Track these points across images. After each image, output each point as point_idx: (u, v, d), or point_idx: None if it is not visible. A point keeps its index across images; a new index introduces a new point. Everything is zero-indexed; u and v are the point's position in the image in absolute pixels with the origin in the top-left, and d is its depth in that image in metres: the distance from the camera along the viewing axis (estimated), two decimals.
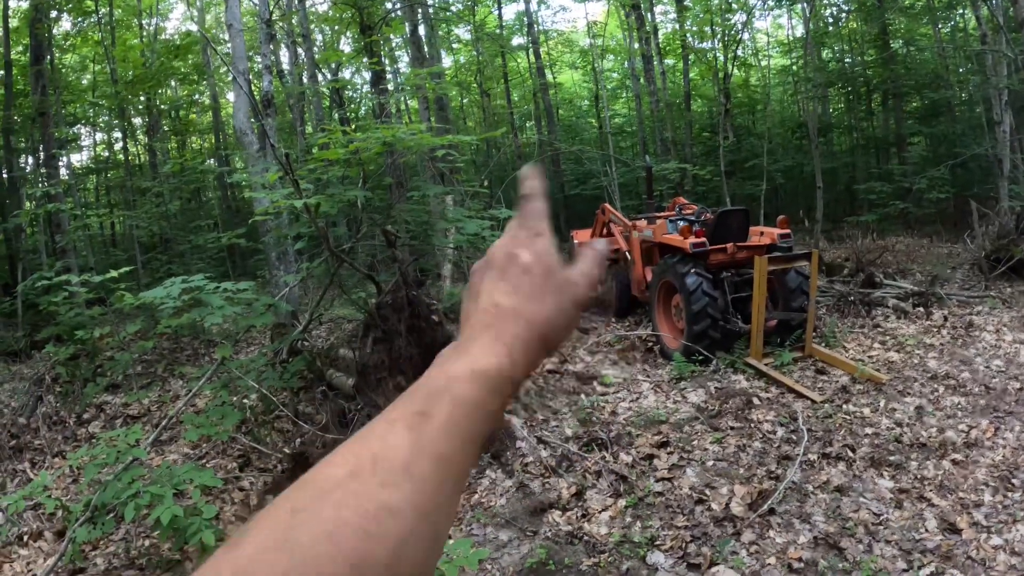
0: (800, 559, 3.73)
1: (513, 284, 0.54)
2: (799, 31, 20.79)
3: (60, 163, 15.46)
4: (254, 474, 5.72)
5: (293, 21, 16.53)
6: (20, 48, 16.62)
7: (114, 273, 7.00)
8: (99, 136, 23.58)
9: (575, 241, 12.08)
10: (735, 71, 20.78)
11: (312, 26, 17.67)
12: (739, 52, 20.16)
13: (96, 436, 5.18)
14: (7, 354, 11.33)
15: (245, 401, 6.72)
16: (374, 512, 0.43)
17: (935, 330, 7.74)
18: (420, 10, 14.60)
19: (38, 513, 5.14)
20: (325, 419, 5.66)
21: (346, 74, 21.11)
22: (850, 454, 4.89)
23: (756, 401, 5.99)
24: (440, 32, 19.52)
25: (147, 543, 4.77)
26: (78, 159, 22.60)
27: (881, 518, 4.07)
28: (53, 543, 4.90)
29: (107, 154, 23.14)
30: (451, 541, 4.09)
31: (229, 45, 9.57)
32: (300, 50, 17.81)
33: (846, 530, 3.96)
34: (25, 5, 15.32)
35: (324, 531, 0.42)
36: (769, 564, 3.73)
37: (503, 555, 4.14)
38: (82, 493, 5.16)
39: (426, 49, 15.02)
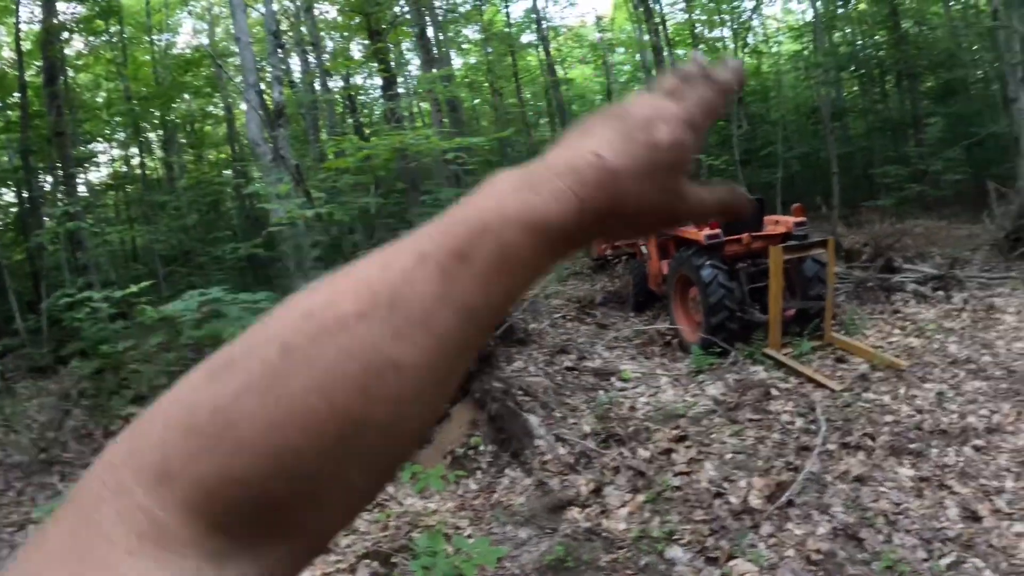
0: (819, 550, 3.72)
1: (632, 150, 0.43)
2: (809, 15, 20.57)
3: (78, 181, 15.69)
4: None
5: (302, 29, 16.65)
6: (33, 70, 16.78)
7: (134, 288, 7.15)
8: (116, 152, 23.93)
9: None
10: (746, 59, 20.63)
11: (321, 33, 17.78)
12: (749, 40, 20.06)
13: None
14: (34, 370, 11.48)
15: None
16: (379, 368, 0.36)
17: (955, 314, 7.65)
18: (428, 13, 14.66)
19: None
20: None
21: (359, 79, 21.20)
22: (869, 443, 4.86)
23: (775, 392, 5.97)
24: (449, 33, 19.55)
25: None
26: (96, 176, 22.94)
27: (901, 507, 4.05)
28: None
29: (125, 169, 23.47)
30: (470, 540, 4.12)
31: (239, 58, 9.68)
32: (311, 57, 17.97)
33: (865, 520, 3.95)
34: (36, 27, 15.56)
35: (317, 382, 0.35)
36: (787, 556, 3.73)
37: (522, 553, 4.17)
38: None
39: (435, 51, 15.08)
